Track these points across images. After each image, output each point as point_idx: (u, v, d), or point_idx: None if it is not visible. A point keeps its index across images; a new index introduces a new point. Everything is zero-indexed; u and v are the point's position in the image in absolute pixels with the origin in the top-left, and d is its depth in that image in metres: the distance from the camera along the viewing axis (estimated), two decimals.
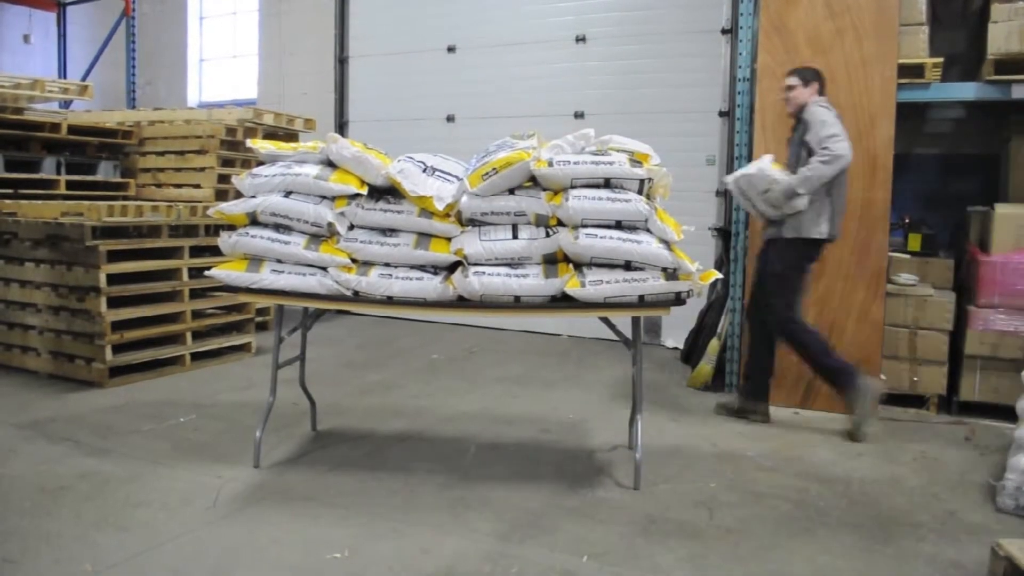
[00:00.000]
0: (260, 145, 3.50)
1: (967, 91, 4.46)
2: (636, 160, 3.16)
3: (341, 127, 7.76)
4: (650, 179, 3.15)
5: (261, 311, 6.15)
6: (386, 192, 3.26)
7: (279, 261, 3.27)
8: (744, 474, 3.47)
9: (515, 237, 3.14)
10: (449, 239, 3.21)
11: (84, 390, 4.58)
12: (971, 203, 5.00)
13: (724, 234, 5.46)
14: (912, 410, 4.50)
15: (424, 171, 3.25)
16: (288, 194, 3.28)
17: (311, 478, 3.31)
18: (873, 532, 2.91)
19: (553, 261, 3.17)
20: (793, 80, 4.06)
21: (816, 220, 3.93)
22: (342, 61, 7.84)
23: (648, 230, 3.10)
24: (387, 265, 3.21)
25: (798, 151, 3.98)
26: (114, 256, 4.67)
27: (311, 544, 2.71)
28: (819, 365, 4.03)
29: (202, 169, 6.55)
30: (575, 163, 3.10)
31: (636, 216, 3.07)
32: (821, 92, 4.07)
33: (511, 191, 3.18)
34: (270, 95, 8.52)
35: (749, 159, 4.68)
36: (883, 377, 4.43)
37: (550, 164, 3.09)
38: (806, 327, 4.07)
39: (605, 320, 3.37)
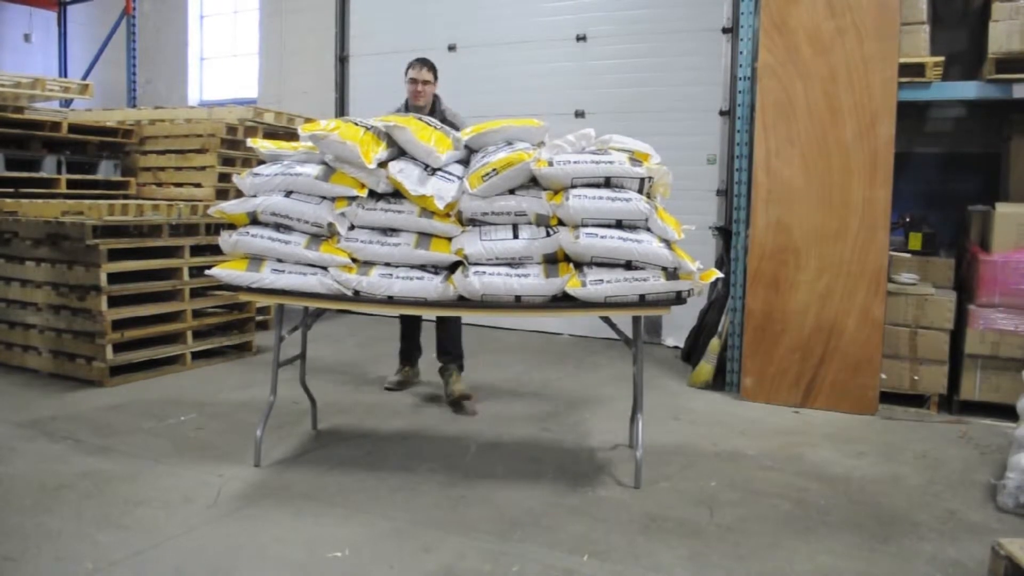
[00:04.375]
0: (261, 144, 3.50)
1: (968, 90, 4.46)
2: (636, 159, 3.16)
3: None
4: (650, 178, 3.15)
5: (261, 310, 6.15)
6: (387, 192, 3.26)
7: (279, 260, 3.27)
8: (745, 473, 3.47)
9: (516, 237, 3.14)
10: (450, 239, 3.21)
11: (85, 389, 4.58)
12: (972, 202, 5.00)
13: (725, 233, 5.46)
14: (913, 409, 4.50)
15: (425, 170, 3.25)
16: (289, 194, 3.28)
17: (312, 477, 3.31)
18: (874, 531, 2.91)
19: (554, 261, 3.17)
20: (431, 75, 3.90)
21: None
22: (342, 60, 7.84)
23: (649, 229, 3.10)
24: (388, 265, 3.20)
25: None
26: (115, 255, 4.67)
27: (312, 543, 2.72)
28: None
29: (203, 168, 6.55)
30: (575, 162, 3.10)
31: (637, 215, 3.06)
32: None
33: (511, 191, 3.18)
34: (270, 94, 8.52)
35: (750, 158, 4.69)
36: (883, 376, 4.43)
37: (550, 164, 3.09)
38: None
39: (606, 319, 3.37)
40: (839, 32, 4.33)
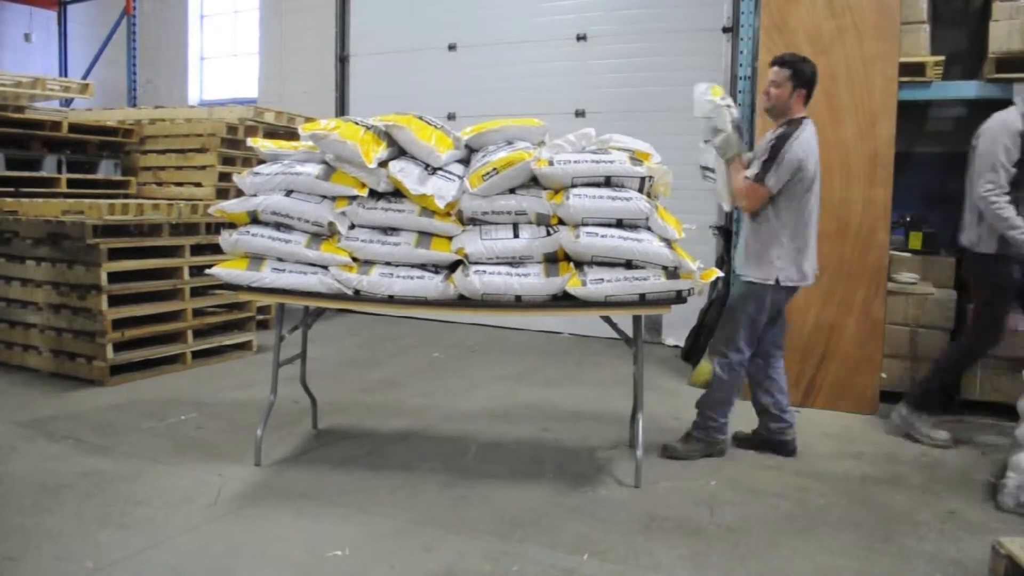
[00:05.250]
0: (261, 144, 3.50)
1: (968, 89, 4.46)
2: (637, 158, 3.16)
3: None
4: (651, 177, 3.15)
5: (262, 309, 6.15)
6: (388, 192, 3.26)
7: (280, 260, 3.27)
8: (745, 472, 3.48)
9: (516, 236, 3.14)
10: (450, 238, 3.21)
11: (85, 388, 4.58)
12: None
13: (725, 232, 5.46)
14: None
15: (425, 169, 3.25)
16: (289, 193, 3.28)
17: (312, 476, 3.31)
18: (874, 530, 2.91)
19: (554, 260, 3.17)
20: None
21: None
22: (343, 60, 7.84)
23: (649, 228, 3.10)
24: (388, 264, 3.20)
25: None
26: (115, 254, 4.67)
27: (312, 542, 2.72)
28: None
29: (203, 167, 6.55)
30: (575, 162, 3.10)
31: (637, 214, 3.07)
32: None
33: (512, 190, 3.18)
34: (271, 94, 8.52)
35: None
36: (884, 375, 4.43)
37: (550, 163, 3.09)
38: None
39: (606, 318, 3.37)
40: (839, 32, 4.33)
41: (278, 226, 3.29)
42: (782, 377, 3.76)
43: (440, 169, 3.27)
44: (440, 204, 3.13)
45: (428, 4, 7.30)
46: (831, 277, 4.39)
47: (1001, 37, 4.25)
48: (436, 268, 3.21)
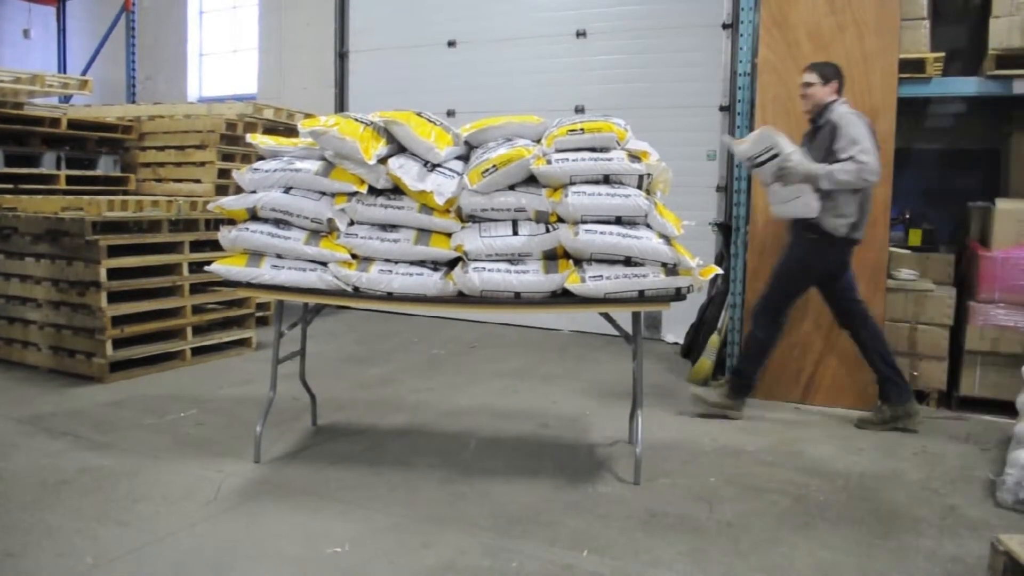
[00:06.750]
0: (260, 140, 3.50)
1: (968, 86, 4.45)
2: (635, 156, 3.16)
3: None
4: (649, 174, 3.15)
5: (261, 306, 6.14)
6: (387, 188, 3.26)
7: (279, 256, 3.27)
8: (744, 469, 3.48)
9: (515, 233, 3.14)
10: (449, 235, 3.21)
11: (84, 385, 4.58)
12: (972, 198, 5.00)
13: (725, 229, 5.46)
14: None
15: (424, 166, 3.24)
16: (288, 190, 3.28)
17: (312, 472, 3.32)
18: (873, 527, 2.91)
19: (553, 257, 3.17)
20: (811, 77, 3.94)
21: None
22: (342, 56, 7.83)
23: (648, 225, 3.10)
24: (387, 261, 3.20)
25: (823, 156, 3.81)
26: (114, 251, 4.67)
27: (312, 538, 2.72)
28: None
29: (202, 164, 6.55)
30: (574, 160, 3.09)
31: (636, 211, 3.06)
32: (840, 91, 3.96)
33: (511, 187, 3.17)
34: (270, 90, 8.51)
35: None
36: None
37: (548, 162, 3.09)
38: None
39: (605, 315, 3.37)
40: (839, 28, 4.32)
41: (277, 223, 3.29)
42: None
43: (439, 166, 3.27)
44: (439, 201, 3.13)
45: (428, 0, 7.29)
46: None
47: (1001, 33, 4.25)
48: (435, 265, 3.20)
